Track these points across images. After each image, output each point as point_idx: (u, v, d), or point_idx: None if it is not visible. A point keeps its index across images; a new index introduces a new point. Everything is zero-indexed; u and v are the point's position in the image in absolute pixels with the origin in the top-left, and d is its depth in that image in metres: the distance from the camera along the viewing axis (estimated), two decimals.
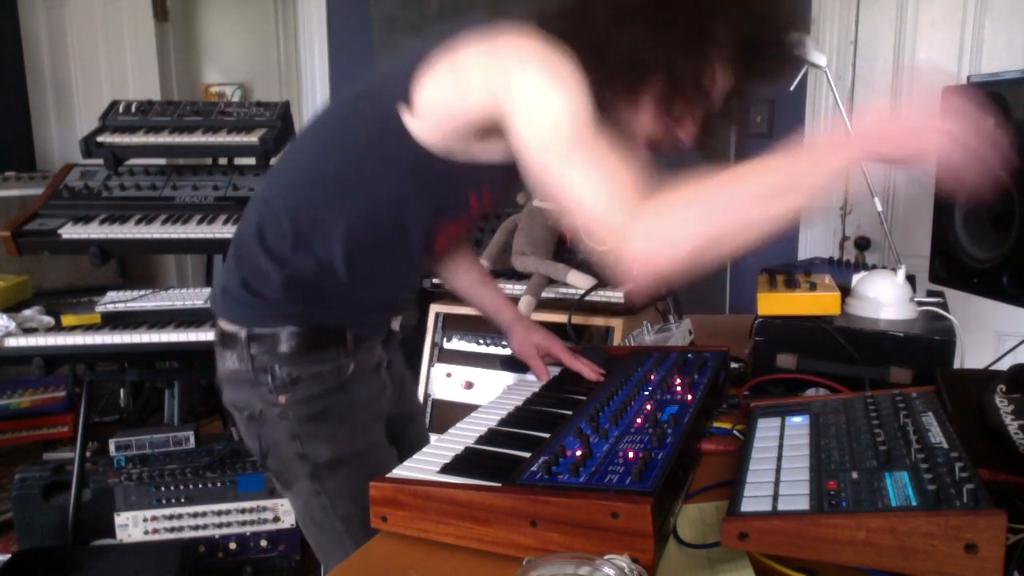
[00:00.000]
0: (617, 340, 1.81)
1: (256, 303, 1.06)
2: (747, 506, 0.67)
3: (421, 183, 1.01)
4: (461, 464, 0.81)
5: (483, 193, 1.07)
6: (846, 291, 1.28)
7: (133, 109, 2.42)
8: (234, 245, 1.12)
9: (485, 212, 1.12)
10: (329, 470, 1.08)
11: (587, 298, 1.75)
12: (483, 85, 0.91)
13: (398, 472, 0.81)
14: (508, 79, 0.89)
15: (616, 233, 0.85)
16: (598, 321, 1.84)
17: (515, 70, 0.89)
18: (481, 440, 0.88)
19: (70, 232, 2.16)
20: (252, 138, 2.30)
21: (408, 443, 1.22)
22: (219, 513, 2.18)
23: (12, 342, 1.99)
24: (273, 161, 2.39)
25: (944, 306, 1.30)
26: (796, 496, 0.68)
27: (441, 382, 2.10)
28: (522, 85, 0.88)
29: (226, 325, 1.09)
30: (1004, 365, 1.06)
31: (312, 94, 3.43)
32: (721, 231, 0.83)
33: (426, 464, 0.82)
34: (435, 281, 2.13)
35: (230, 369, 1.09)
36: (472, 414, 1.01)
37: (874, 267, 1.53)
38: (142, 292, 2.23)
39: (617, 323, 1.80)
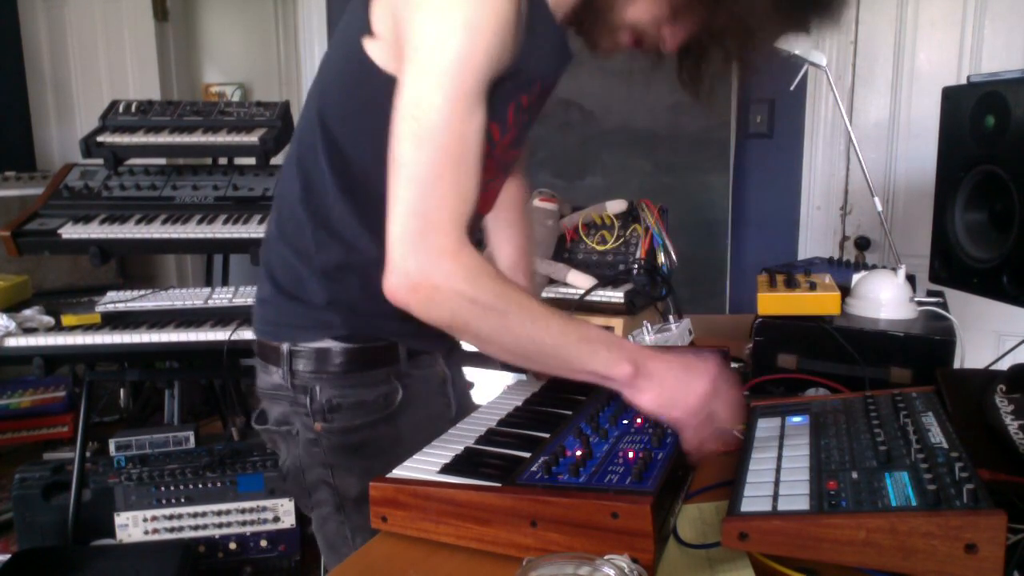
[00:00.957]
0: None
1: (295, 310, 0.98)
2: (747, 506, 0.67)
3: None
4: (461, 464, 0.81)
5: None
6: (846, 291, 1.28)
7: (133, 109, 2.42)
8: (263, 250, 1.05)
9: (511, 150, 1.01)
10: (357, 504, 1.00)
11: (587, 298, 1.75)
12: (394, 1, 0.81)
13: (398, 472, 0.81)
14: (409, 2, 0.79)
15: (400, 256, 0.77)
16: (598, 321, 1.83)
17: None
18: (481, 440, 0.88)
19: (70, 232, 2.16)
20: (252, 138, 2.30)
21: None
22: (219, 513, 2.18)
23: (12, 342, 1.99)
24: (275, 160, 2.40)
25: (944, 306, 1.30)
26: (796, 496, 0.68)
27: None
28: (416, 15, 0.78)
29: (269, 341, 1.01)
30: (1004, 365, 1.06)
31: None
32: (486, 336, 0.82)
33: (426, 464, 0.82)
34: None
35: (274, 384, 1.02)
36: (472, 414, 1.01)
37: (874, 267, 1.53)
38: (142, 292, 2.23)
39: (617, 323, 1.80)
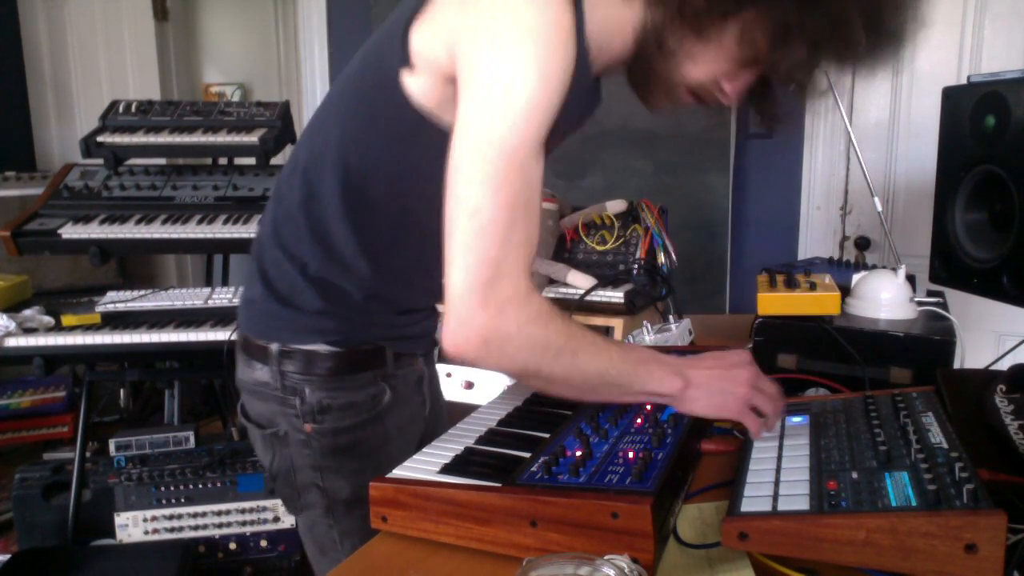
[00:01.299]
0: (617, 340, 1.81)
1: (288, 315, 0.97)
2: (747, 506, 0.67)
3: (425, 156, 0.87)
4: (461, 464, 0.81)
5: None
6: (846, 291, 1.28)
7: (133, 109, 2.42)
8: (255, 247, 1.03)
9: None
10: (347, 507, 1.00)
11: (587, 298, 1.75)
12: (453, 32, 0.78)
13: (398, 472, 0.81)
14: (476, 38, 0.75)
15: (468, 309, 0.74)
16: (598, 321, 1.84)
17: (490, 30, 0.75)
18: (481, 440, 0.88)
19: (70, 232, 2.16)
20: (252, 138, 2.30)
21: None
22: (219, 513, 2.18)
23: (12, 342, 1.99)
24: (275, 160, 2.39)
25: (944, 306, 1.30)
26: (796, 496, 0.68)
27: (441, 382, 2.10)
28: (487, 53, 0.75)
29: (256, 340, 1.00)
30: (1004, 365, 1.06)
31: (312, 94, 3.43)
32: (557, 378, 0.82)
33: (426, 464, 0.82)
34: None
35: (259, 380, 1.00)
36: (472, 414, 1.00)
37: (874, 267, 1.53)
38: (142, 292, 2.23)
39: (617, 323, 1.80)
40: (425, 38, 0.82)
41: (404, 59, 0.84)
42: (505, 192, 0.74)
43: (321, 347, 0.97)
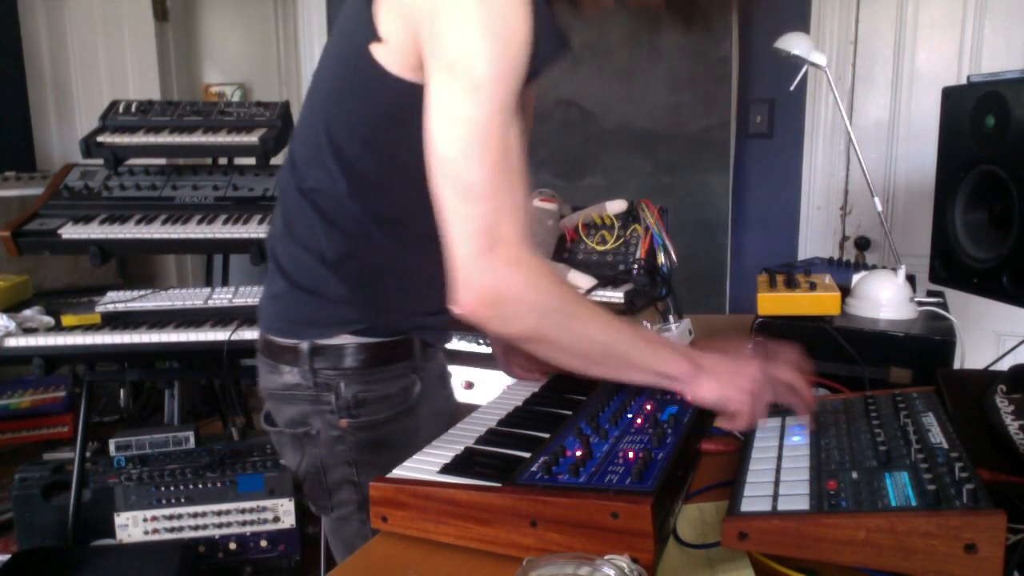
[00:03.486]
0: None
1: (314, 304, 0.98)
2: (747, 506, 0.67)
3: (415, 120, 0.86)
4: (461, 464, 0.81)
5: None
6: (846, 291, 1.28)
7: (133, 109, 2.42)
8: (270, 245, 1.04)
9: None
10: None
11: (588, 298, 1.75)
12: (409, 9, 0.81)
13: (398, 472, 0.81)
14: (433, 15, 0.78)
15: (473, 274, 0.78)
16: None
17: (445, 5, 0.77)
18: (481, 440, 0.88)
19: (70, 232, 2.16)
20: (252, 138, 2.30)
21: None
22: (219, 513, 2.18)
23: (12, 342, 1.99)
24: (275, 160, 2.40)
25: (944, 306, 1.30)
26: (796, 496, 0.68)
27: None
28: (445, 29, 0.77)
29: (283, 340, 1.00)
30: (1004, 365, 1.06)
31: None
32: (563, 344, 0.84)
33: (426, 464, 0.82)
34: None
35: (288, 384, 1.00)
36: (472, 414, 1.00)
37: (874, 267, 1.53)
38: (142, 292, 2.23)
39: None
40: (388, 16, 0.84)
41: (372, 34, 0.85)
42: (488, 162, 0.77)
43: (349, 340, 0.98)
